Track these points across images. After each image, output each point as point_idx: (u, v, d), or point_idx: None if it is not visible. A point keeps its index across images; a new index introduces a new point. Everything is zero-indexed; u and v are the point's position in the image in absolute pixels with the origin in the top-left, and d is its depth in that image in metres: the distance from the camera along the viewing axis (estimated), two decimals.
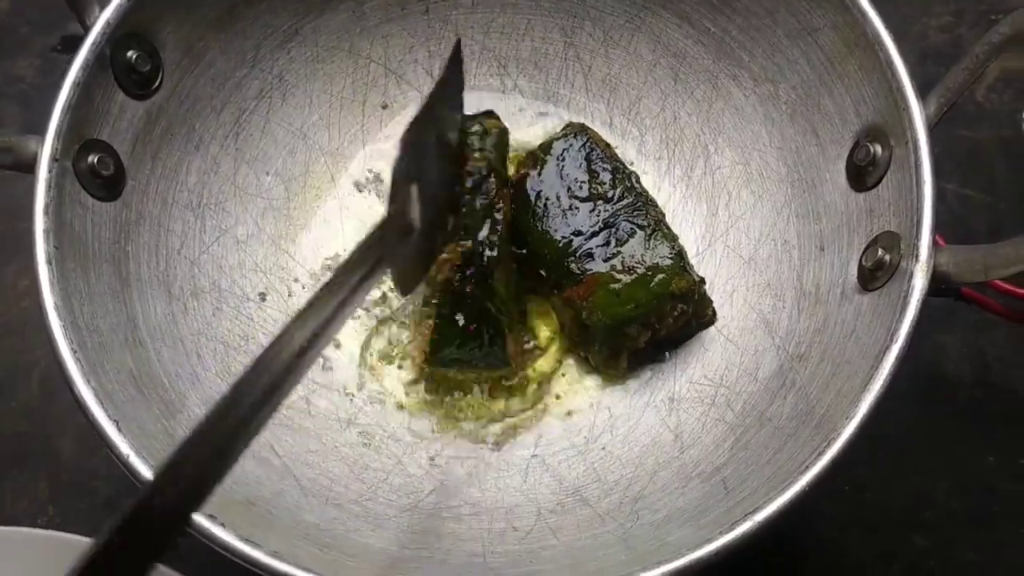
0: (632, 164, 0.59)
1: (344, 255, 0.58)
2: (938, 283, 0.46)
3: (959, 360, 0.62)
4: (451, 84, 0.54)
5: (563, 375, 0.56)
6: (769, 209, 0.56)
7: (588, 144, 0.56)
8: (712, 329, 0.56)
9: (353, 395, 0.56)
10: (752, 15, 0.55)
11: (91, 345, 0.46)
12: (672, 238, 0.55)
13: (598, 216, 0.55)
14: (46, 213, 0.47)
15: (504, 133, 0.58)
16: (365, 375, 0.56)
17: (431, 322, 0.54)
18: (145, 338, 0.50)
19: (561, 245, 0.55)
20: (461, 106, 0.56)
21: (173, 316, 0.53)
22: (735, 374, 0.54)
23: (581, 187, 0.56)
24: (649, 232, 0.54)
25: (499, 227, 0.54)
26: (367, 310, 0.57)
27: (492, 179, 0.55)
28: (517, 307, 0.56)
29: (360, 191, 0.60)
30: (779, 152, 0.56)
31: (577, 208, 0.55)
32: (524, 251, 0.56)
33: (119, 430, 0.44)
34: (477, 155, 0.55)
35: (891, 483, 0.60)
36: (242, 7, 0.56)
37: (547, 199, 0.56)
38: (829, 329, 0.50)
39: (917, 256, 0.45)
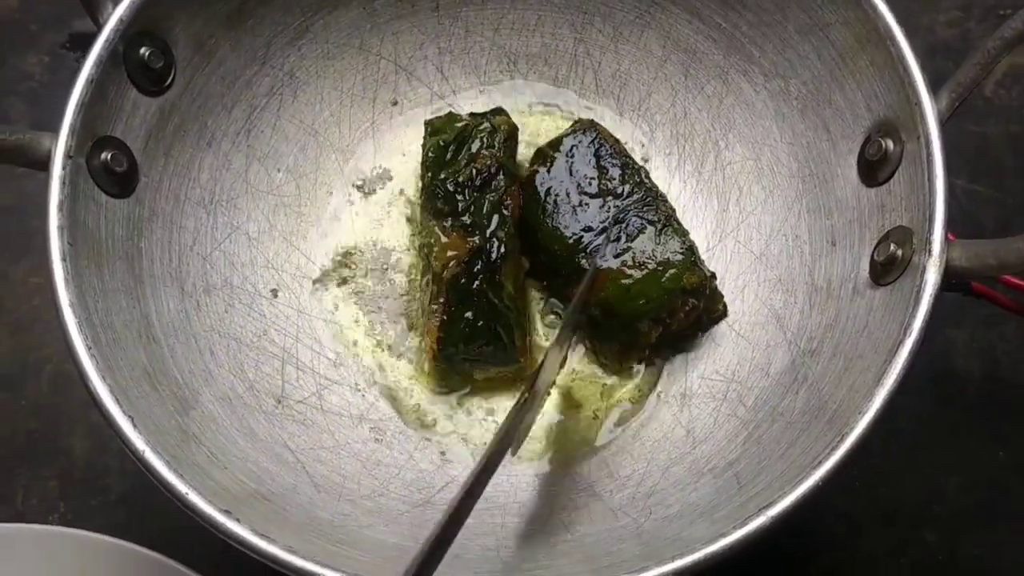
0: (642, 160, 0.59)
1: (356, 252, 0.58)
2: (950, 278, 0.46)
3: (969, 355, 0.62)
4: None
5: (574, 371, 0.56)
6: (780, 204, 0.56)
7: (597, 140, 0.56)
8: (723, 324, 0.56)
9: (364, 392, 0.56)
10: (763, 10, 0.55)
11: (105, 342, 0.46)
12: (683, 233, 0.55)
13: (608, 212, 0.55)
14: (60, 210, 0.47)
15: (513, 130, 0.58)
16: (376, 372, 0.56)
17: (438, 320, 0.54)
18: (159, 335, 0.51)
19: (571, 241, 0.55)
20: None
21: (186, 312, 0.53)
22: (747, 369, 0.54)
23: (591, 183, 0.56)
24: (659, 227, 0.54)
25: (507, 223, 0.54)
26: (377, 305, 0.58)
27: (501, 176, 0.55)
28: (524, 302, 0.56)
29: (371, 187, 0.60)
30: (790, 147, 0.56)
31: (587, 204, 0.55)
32: (538, 250, 0.56)
33: (134, 426, 0.44)
34: (486, 153, 0.56)
35: (903, 478, 0.60)
36: (253, 4, 0.56)
37: (557, 195, 0.56)
38: (841, 324, 0.50)
39: (930, 251, 0.45)
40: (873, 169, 0.51)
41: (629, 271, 0.53)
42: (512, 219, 0.55)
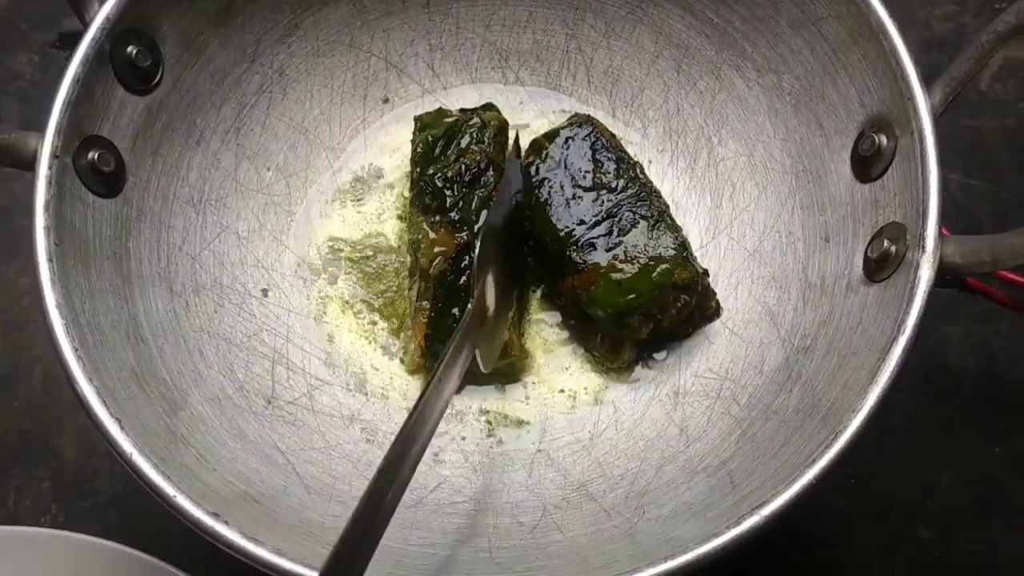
0: (635, 156, 0.59)
1: (346, 251, 0.58)
2: (944, 274, 0.45)
3: (963, 351, 0.62)
4: (513, 175, 0.55)
5: (567, 369, 0.56)
6: (773, 201, 0.56)
7: (593, 134, 0.56)
8: (717, 322, 0.55)
9: (356, 392, 0.55)
10: (755, 5, 0.55)
11: (93, 343, 0.46)
12: (675, 229, 0.54)
13: (601, 206, 0.55)
14: (47, 210, 0.47)
15: (504, 125, 0.58)
16: (368, 372, 0.56)
17: (426, 316, 0.54)
18: (147, 335, 0.50)
19: (563, 234, 0.54)
20: (522, 194, 0.56)
21: (175, 313, 0.52)
22: (740, 367, 0.53)
23: (585, 176, 0.55)
24: (652, 223, 0.54)
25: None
26: (368, 304, 0.57)
27: (490, 171, 0.55)
28: (512, 297, 0.56)
29: (362, 185, 0.60)
30: (783, 143, 0.56)
31: (581, 197, 0.55)
32: (529, 241, 0.56)
33: (121, 428, 0.44)
34: (475, 148, 0.55)
35: (896, 475, 0.60)
36: (242, 1, 0.55)
37: (551, 188, 0.55)
38: (835, 321, 0.50)
39: (923, 247, 0.45)
40: (866, 164, 0.50)
41: (620, 265, 0.53)
42: None
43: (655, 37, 0.59)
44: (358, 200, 0.60)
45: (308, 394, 0.54)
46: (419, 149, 0.57)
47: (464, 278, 0.53)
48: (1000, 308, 0.55)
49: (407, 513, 0.51)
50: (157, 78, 0.53)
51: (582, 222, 0.54)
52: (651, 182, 0.56)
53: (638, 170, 0.56)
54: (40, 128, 0.48)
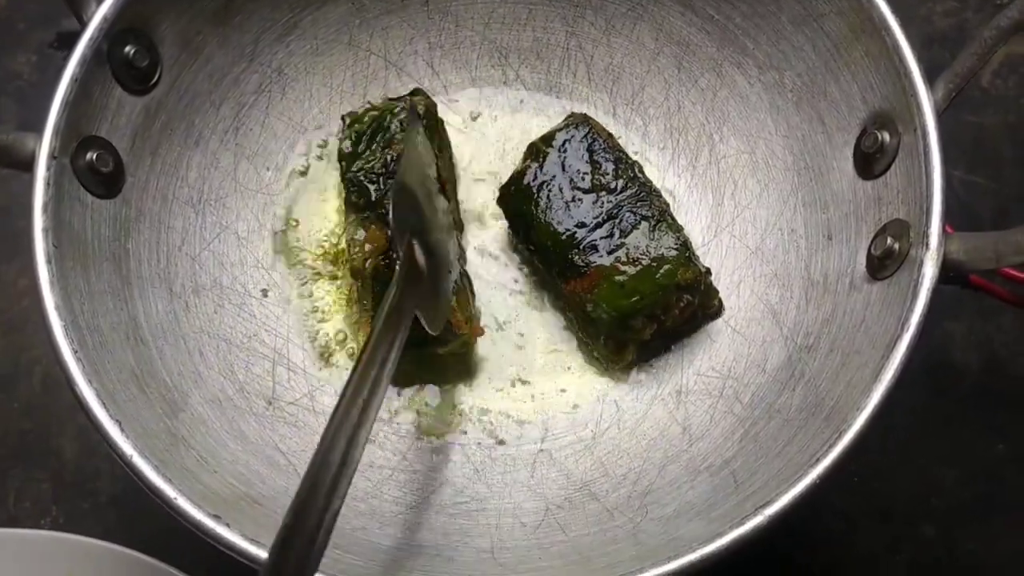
0: (636, 154, 0.58)
1: (346, 250, 0.58)
2: (948, 271, 0.45)
3: (966, 347, 0.62)
4: (413, 137, 0.53)
5: (569, 368, 0.56)
6: (775, 198, 0.56)
7: (590, 135, 0.56)
8: (719, 320, 0.55)
9: None
10: (756, 2, 0.54)
11: (92, 344, 0.46)
12: (677, 228, 0.54)
13: (601, 207, 0.54)
14: (45, 211, 0.46)
15: (432, 106, 0.57)
16: None
17: (367, 316, 0.53)
18: (147, 336, 0.50)
19: (564, 237, 0.54)
20: (429, 142, 0.55)
21: (175, 314, 0.52)
22: (743, 366, 0.53)
23: (584, 178, 0.55)
24: (653, 223, 0.54)
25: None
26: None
27: None
28: (448, 255, 0.54)
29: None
30: (785, 140, 0.55)
31: (580, 200, 0.55)
32: (531, 247, 0.55)
33: (122, 431, 0.44)
34: (399, 136, 0.54)
35: (899, 472, 0.60)
36: (240, 0, 0.55)
37: (550, 191, 0.55)
38: (838, 319, 0.49)
39: (927, 244, 0.45)
40: (869, 162, 0.50)
41: (623, 267, 0.53)
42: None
43: (656, 34, 0.59)
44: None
45: (309, 395, 0.54)
46: (344, 147, 0.55)
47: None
48: (1002, 304, 0.55)
49: (409, 514, 0.51)
50: (155, 78, 0.53)
51: (583, 224, 0.54)
52: (650, 181, 0.56)
53: (637, 170, 0.55)
54: (38, 129, 0.48)
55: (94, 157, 0.49)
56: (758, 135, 0.57)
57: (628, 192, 0.54)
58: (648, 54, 0.59)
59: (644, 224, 0.54)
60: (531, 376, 0.56)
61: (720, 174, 0.58)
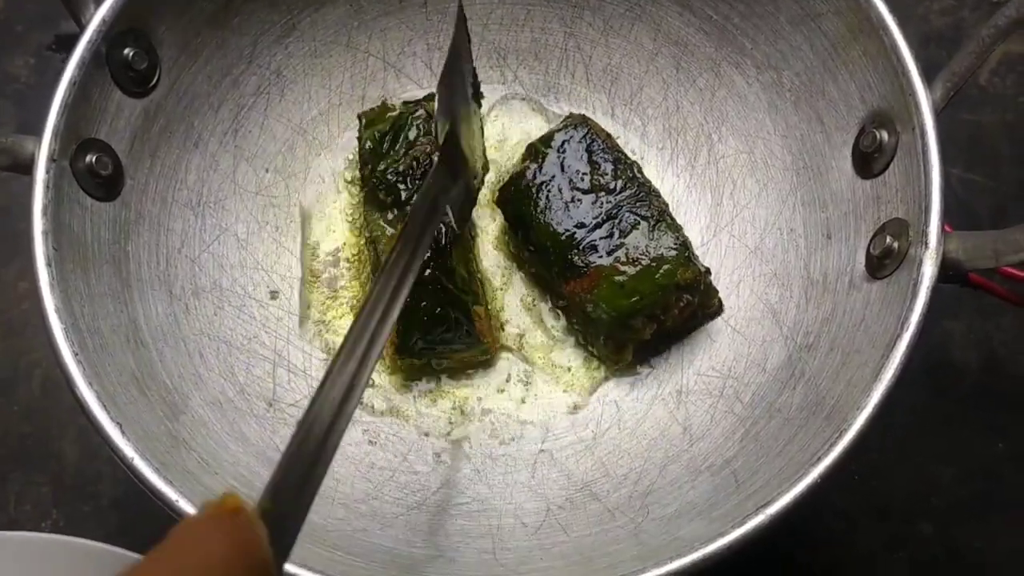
0: (635, 154, 0.58)
1: (344, 251, 0.58)
2: (947, 270, 0.45)
3: (965, 346, 0.62)
4: (461, 40, 0.53)
5: (569, 369, 0.56)
6: (774, 198, 0.56)
7: (589, 135, 0.56)
8: (719, 320, 0.55)
9: None
10: (754, 2, 0.54)
11: (92, 347, 0.46)
12: (676, 228, 0.54)
13: (601, 208, 0.54)
14: (44, 214, 0.46)
15: None
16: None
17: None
18: (147, 339, 0.50)
19: (564, 238, 0.54)
20: (471, 57, 0.55)
21: (175, 316, 0.52)
22: (743, 365, 0.53)
23: (583, 179, 0.55)
24: (653, 223, 0.54)
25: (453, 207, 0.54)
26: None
27: None
28: (478, 283, 0.56)
29: (361, 186, 0.60)
30: (784, 140, 0.55)
31: (579, 200, 0.55)
32: (531, 247, 0.55)
33: (123, 433, 0.44)
34: (424, 140, 0.55)
35: (898, 470, 0.60)
36: (238, 2, 0.55)
37: (549, 192, 0.55)
38: (838, 318, 0.49)
39: (926, 243, 0.45)
40: (868, 161, 0.50)
41: (623, 267, 0.53)
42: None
43: (654, 35, 0.59)
44: (356, 201, 0.59)
45: (310, 396, 0.54)
46: (367, 146, 0.56)
47: (428, 270, 0.53)
48: (1001, 303, 0.55)
49: (410, 515, 0.51)
50: (154, 80, 0.53)
51: (582, 225, 0.54)
52: (649, 181, 0.56)
53: (636, 170, 0.55)
54: (36, 131, 0.48)
55: (93, 160, 0.49)
56: (757, 135, 0.57)
57: (627, 192, 0.54)
58: (646, 54, 0.59)
59: (643, 224, 0.54)
60: (531, 376, 0.56)
61: (719, 174, 0.58)
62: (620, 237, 0.54)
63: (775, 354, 0.52)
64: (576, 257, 0.54)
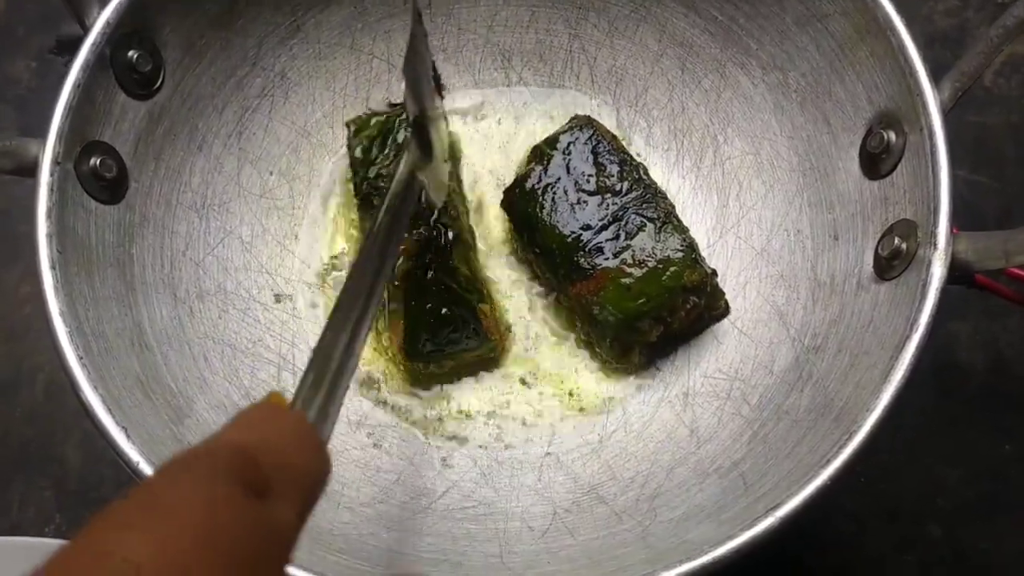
0: (640, 156, 0.58)
1: (349, 257, 0.58)
2: (955, 271, 0.45)
3: (972, 347, 0.62)
4: (419, 31, 0.54)
5: (575, 371, 0.56)
6: (781, 199, 0.55)
7: (594, 137, 0.56)
8: (726, 322, 0.55)
9: (363, 397, 0.55)
10: (760, 2, 0.54)
11: (97, 351, 0.46)
12: (683, 230, 0.54)
13: (607, 210, 0.54)
14: (49, 217, 0.46)
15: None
16: (374, 376, 0.56)
17: (398, 319, 0.53)
18: (151, 342, 0.50)
19: (570, 240, 0.54)
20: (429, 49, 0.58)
21: (179, 319, 0.52)
22: (750, 367, 0.53)
23: (588, 180, 0.55)
24: (659, 225, 0.54)
25: (450, 208, 0.54)
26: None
27: None
28: (481, 282, 0.56)
29: (354, 195, 0.59)
30: (790, 141, 0.55)
31: (585, 202, 0.55)
32: (537, 250, 0.55)
33: (128, 437, 0.43)
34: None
35: (906, 472, 0.59)
36: (243, 4, 0.55)
37: (554, 194, 0.55)
38: (846, 320, 0.49)
39: (935, 244, 0.45)
40: (875, 162, 0.50)
41: (629, 269, 0.53)
42: (451, 202, 0.55)
43: (659, 35, 0.58)
44: (361, 203, 0.59)
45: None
46: (357, 154, 0.56)
47: (431, 273, 0.53)
48: (1008, 304, 0.54)
49: (416, 519, 0.50)
50: (158, 82, 0.52)
51: (588, 227, 0.54)
52: (655, 183, 0.56)
53: (641, 171, 0.55)
54: (38, 134, 0.47)
55: (97, 162, 0.49)
56: (763, 136, 0.56)
57: (633, 194, 0.54)
58: (651, 56, 0.59)
59: (650, 226, 0.54)
60: (537, 379, 0.56)
61: (725, 175, 0.58)
62: (626, 239, 0.53)
63: (782, 356, 0.52)
64: (582, 259, 0.53)
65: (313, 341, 0.55)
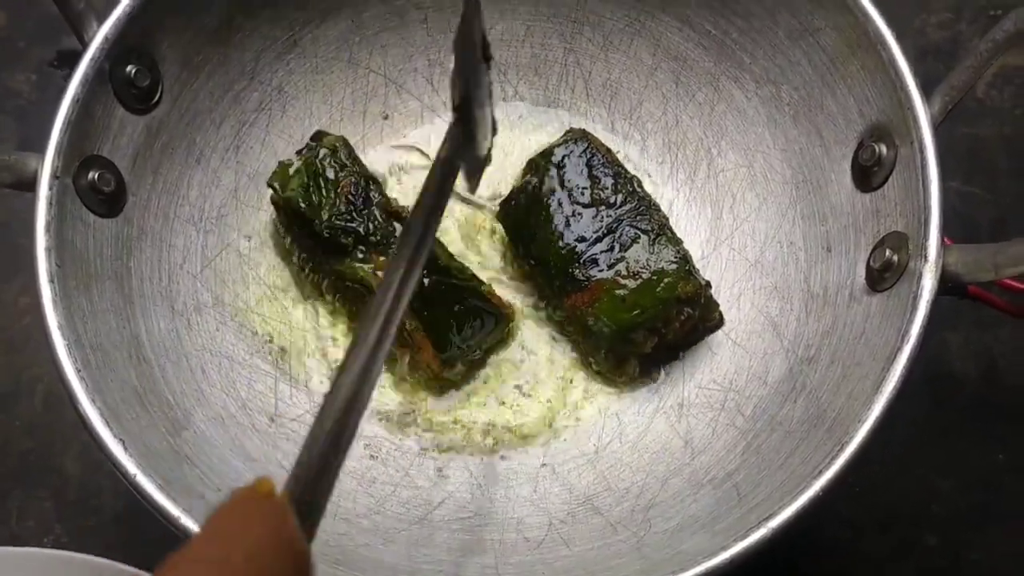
0: (635, 168, 0.59)
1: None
2: (946, 283, 0.45)
3: (965, 357, 0.62)
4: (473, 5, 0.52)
5: (571, 382, 0.56)
6: (774, 211, 0.56)
7: (589, 150, 0.56)
8: (720, 333, 0.55)
9: None
10: (753, 16, 0.55)
11: (95, 363, 0.46)
12: (676, 242, 0.54)
13: (601, 222, 0.55)
14: (47, 231, 0.47)
15: (345, 141, 0.57)
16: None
17: (422, 333, 0.54)
18: (149, 355, 0.50)
19: (565, 252, 0.54)
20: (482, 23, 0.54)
21: (177, 332, 0.52)
22: (744, 378, 0.53)
23: (583, 193, 0.55)
24: (653, 236, 0.54)
25: (407, 216, 0.55)
26: None
27: (370, 184, 0.56)
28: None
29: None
30: (783, 154, 0.56)
31: (580, 214, 0.55)
32: (532, 261, 0.56)
33: (125, 449, 0.44)
34: (343, 174, 0.55)
35: (899, 482, 0.60)
36: (240, 19, 0.55)
37: (549, 206, 0.55)
38: (838, 331, 0.50)
39: (926, 256, 0.45)
40: (867, 174, 0.50)
41: (623, 281, 0.53)
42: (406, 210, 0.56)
43: (653, 49, 0.59)
44: None
45: (311, 411, 0.54)
46: (302, 205, 0.54)
47: (427, 280, 0.53)
48: (1000, 314, 0.55)
49: (412, 529, 0.51)
50: (156, 97, 0.53)
51: (583, 239, 0.54)
52: (649, 196, 0.56)
53: (636, 184, 0.56)
54: (38, 147, 0.48)
55: (96, 176, 0.49)
56: (756, 149, 0.57)
57: (627, 206, 0.55)
58: (646, 69, 0.59)
59: (644, 238, 0.54)
60: (533, 391, 0.56)
61: (719, 188, 0.58)
62: (621, 251, 0.54)
63: (776, 367, 0.52)
64: (577, 271, 0.54)
65: (311, 353, 0.56)
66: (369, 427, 0.55)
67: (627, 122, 0.60)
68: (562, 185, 0.55)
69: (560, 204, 0.55)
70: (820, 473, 0.42)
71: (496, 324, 0.55)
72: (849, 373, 0.47)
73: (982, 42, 0.48)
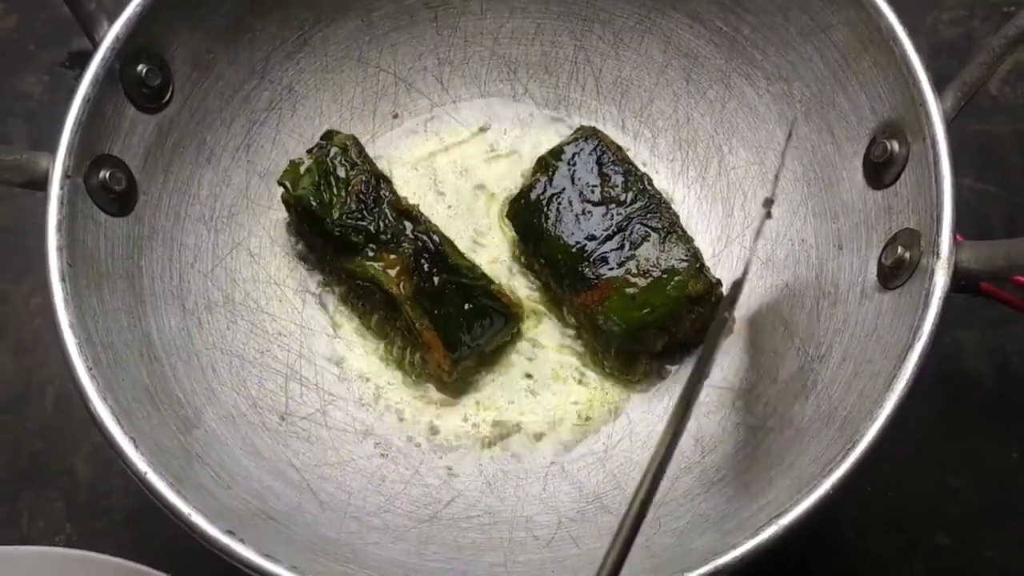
0: (645, 166, 0.58)
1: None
2: (959, 280, 0.45)
3: (978, 355, 0.62)
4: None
5: (580, 381, 0.56)
6: (785, 209, 0.56)
7: (599, 147, 0.56)
8: None
9: (370, 406, 0.55)
10: (764, 13, 0.54)
11: (106, 362, 0.46)
12: (687, 240, 0.54)
13: (611, 220, 0.55)
14: (59, 230, 0.47)
15: (355, 139, 0.57)
16: (380, 386, 0.56)
17: (431, 332, 0.54)
18: (160, 353, 0.50)
19: (575, 251, 0.54)
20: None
21: (188, 331, 0.52)
22: (755, 376, 0.53)
23: (593, 191, 0.55)
24: (663, 234, 0.54)
25: (417, 215, 0.55)
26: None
27: (381, 182, 0.56)
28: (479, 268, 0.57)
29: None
30: (794, 151, 0.55)
31: (590, 212, 0.55)
32: (542, 260, 0.55)
33: (136, 448, 0.44)
34: (354, 172, 0.55)
35: (912, 481, 0.59)
36: (250, 19, 0.55)
37: (559, 204, 0.55)
38: (850, 329, 0.49)
39: (938, 253, 0.45)
40: (879, 171, 0.50)
41: (633, 279, 0.53)
42: (415, 207, 0.56)
43: (664, 47, 0.59)
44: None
45: (322, 409, 0.54)
46: (314, 204, 0.54)
47: (437, 279, 0.54)
48: (1014, 312, 0.55)
49: (422, 528, 0.51)
50: (167, 96, 0.53)
51: (593, 237, 0.54)
52: (660, 193, 0.56)
53: (646, 182, 0.56)
54: (49, 148, 0.48)
55: (107, 176, 0.49)
56: (767, 146, 0.57)
57: (638, 204, 0.55)
58: (656, 67, 0.59)
59: (654, 236, 0.54)
60: (543, 389, 0.56)
61: (730, 185, 0.58)
62: (631, 249, 0.54)
63: (787, 365, 0.52)
64: (587, 269, 0.54)
65: (321, 352, 0.56)
66: (379, 425, 0.55)
67: (637, 120, 0.60)
68: (572, 183, 0.55)
69: (570, 202, 0.55)
70: (831, 471, 0.42)
71: (506, 323, 0.55)
72: (860, 371, 0.47)
73: (995, 38, 0.47)
